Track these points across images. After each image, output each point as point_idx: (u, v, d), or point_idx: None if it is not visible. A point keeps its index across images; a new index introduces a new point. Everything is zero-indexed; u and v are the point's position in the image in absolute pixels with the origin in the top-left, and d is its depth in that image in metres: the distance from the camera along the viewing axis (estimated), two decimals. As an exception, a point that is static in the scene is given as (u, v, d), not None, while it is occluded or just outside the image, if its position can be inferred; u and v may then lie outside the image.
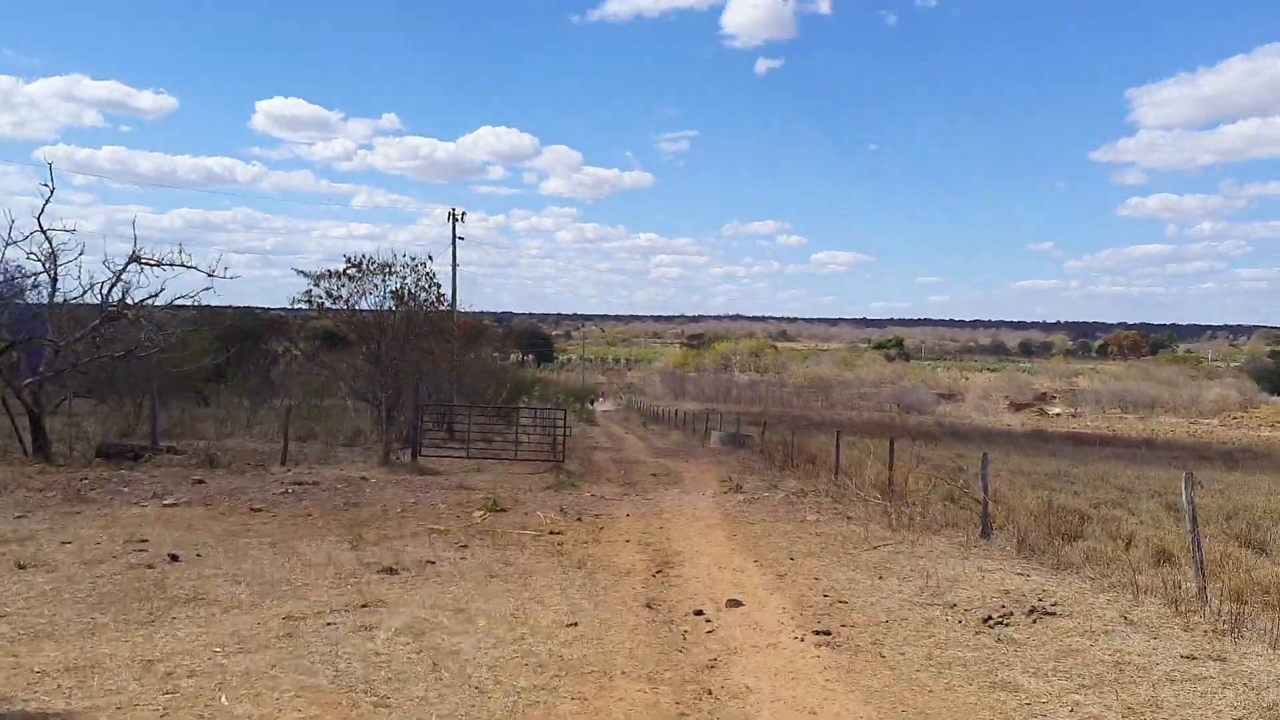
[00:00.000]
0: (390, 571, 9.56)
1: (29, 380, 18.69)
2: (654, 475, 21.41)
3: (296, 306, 28.96)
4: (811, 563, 10.65)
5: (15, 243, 18.48)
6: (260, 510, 13.21)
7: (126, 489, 14.45)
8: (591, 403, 79.43)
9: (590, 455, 27.96)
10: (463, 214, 38.55)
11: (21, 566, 9.26)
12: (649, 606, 8.66)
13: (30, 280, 19.70)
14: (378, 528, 12.26)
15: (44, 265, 18.97)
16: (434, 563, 10.11)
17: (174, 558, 9.91)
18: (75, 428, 23.17)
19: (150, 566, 9.51)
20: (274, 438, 25.59)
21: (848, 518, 13.76)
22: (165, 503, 13.51)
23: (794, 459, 22.67)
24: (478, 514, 13.35)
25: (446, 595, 8.69)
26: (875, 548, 11.52)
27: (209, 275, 20.70)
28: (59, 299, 19.22)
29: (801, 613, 8.51)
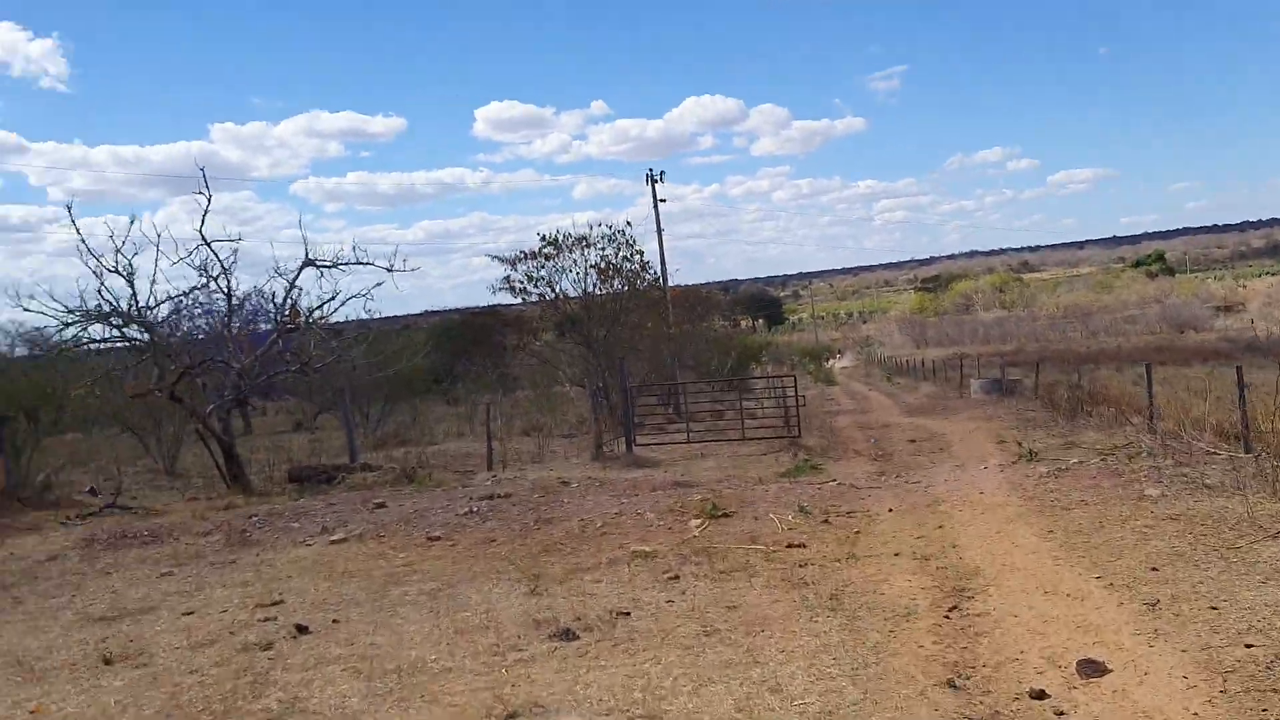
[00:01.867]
0: (565, 637, 6.78)
1: (213, 406, 17.47)
2: (912, 442, 17.86)
3: (498, 294, 27.16)
4: (1189, 573, 7.01)
5: (183, 259, 17.25)
6: (438, 539, 10.89)
7: (297, 524, 12.55)
8: (827, 361, 75.43)
9: (832, 423, 24.55)
10: (661, 174, 35.76)
11: (108, 661, 7.15)
12: (950, 684, 5.43)
13: (208, 303, 18.51)
14: (569, 554, 9.60)
15: (211, 278, 17.68)
16: (628, 614, 7.26)
17: (301, 630, 7.57)
18: (278, 451, 22.31)
19: (266, 648, 7.19)
20: (497, 436, 23.89)
21: (1205, 486, 9.82)
22: (333, 538, 11.45)
23: (1084, 404, 18.41)
24: (695, 523, 10.45)
25: (636, 682, 5.79)
26: (1277, 535, 7.70)
27: (388, 270, 18.94)
28: (235, 319, 17.92)
29: (1224, 683, 5.03)
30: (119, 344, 17.05)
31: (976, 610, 6.74)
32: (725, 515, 10.67)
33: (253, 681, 6.43)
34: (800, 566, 8.32)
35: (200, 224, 17.27)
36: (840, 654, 6.02)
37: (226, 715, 5.84)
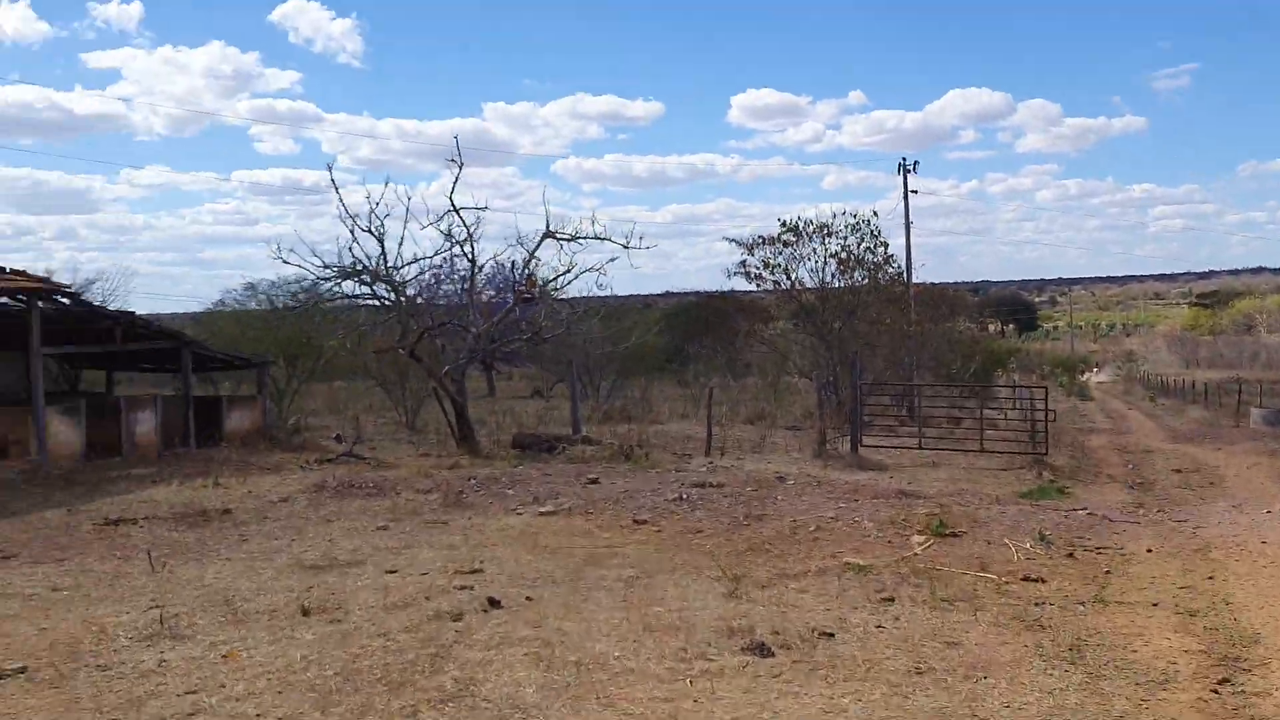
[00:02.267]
0: (760, 652, 6.19)
1: (448, 368, 17.96)
2: (1178, 472, 15.96)
3: (733, 279, 26.69)
4: None
5: (433, 223, 17.80)
6: (644, 523, 10.55)
7: (511, 491, 12.58)
8: (1083, 374, 70.34)
9: (1084, 442, 22.52)
10: (914, 164, 34.02)
11: (305, 613, 7.21)
12: (1220, 782, 4.44)
13: (454, 269, 19.06)
14: (776, 556, 8.99)
15: (459, 244, 18.14)
16: (832, 635, 6.57)
17: (493, 604, 7.38)
18: (510, 416, 22.82)
19: (456, 619, 7.03)
20: (720, 421, 23.52)
21: None
22: (543, 510, 11.36)
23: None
24: (917, 539, 9.56)
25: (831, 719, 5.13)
26: None
27: (624, 246, 18.86)
28: (475, 285, 18.33)
29: None
30: (369, 301, 17.86)
31: (1254, 688, 5.60)
32: (953, 534, 9.71)
33: (434, 654, 6.24)
34: (1036, 605, 7.33)
35: (450, 191, 17.79)
36: (1079, 721, 5.11)
37: (400, 688, 5.66)
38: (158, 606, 7.37)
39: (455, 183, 17.96)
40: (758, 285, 26.36)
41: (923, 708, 5.28)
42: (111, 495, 12.74)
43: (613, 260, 18.40)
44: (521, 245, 18.40)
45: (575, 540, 9.85)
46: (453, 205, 18.02)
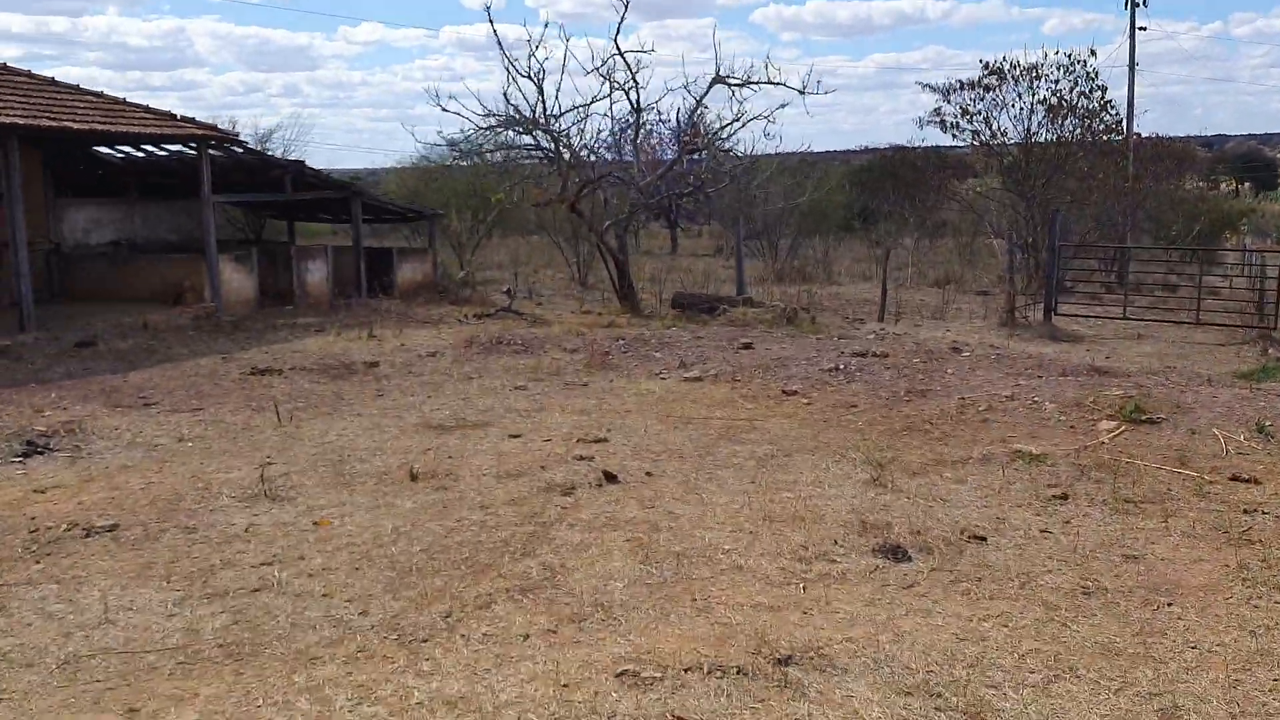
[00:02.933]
0: (893, 555, 5.34)
1: (609, 223, 17.28)
2: None
3: (925, 129, 24.59)
4: None
5: (596, 69, 16.84)
6: (793, 394, 9.70)
7: (659, 354, 11.93)
8: (1328, 239, 63.10)
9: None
10: (1145, -1, 30.00)
11: (414, 478, 6.84)
12: None
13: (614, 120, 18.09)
14: (934, 439, 7.99)
15: (620, 88, 17.14)
16: (984, 539, 5.63)
17: (609, 478, 6.81)
18: (685, 274, 22.06)
19: (566, 493, 6.51)
20: (904, 284, 22.07)
21: None
22: (688, 375, 10.68)
23: None
24: (1105, 425, 8.29)
25: (965, 651, 4.25)
26: None
27: (800, 92, 17.40)
28: (639, 135, 17.35)
29: None
30: (534, 153, 17.20)
31: None
32: (1149, 421, 8.38)
33: (530, 534, 5.72)
34: (1245, 513, 6.11)
35: (615, 33, 16.81)
36: (1287, 675, 4.05)
37: (483, 571, 5.16)
38: (269, 463, 7.18)
39: (620, 24, 16.91)
40: (954, 136, 24.11)
41: (1084, 641, 4.34)
42: (269, 344, 12.90)
43: (783, 107, 17.04)
44: (689, 92, 17.23)
45: (714, 411, 9.12)
46: (617, 48, 16.98)
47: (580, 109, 16.31)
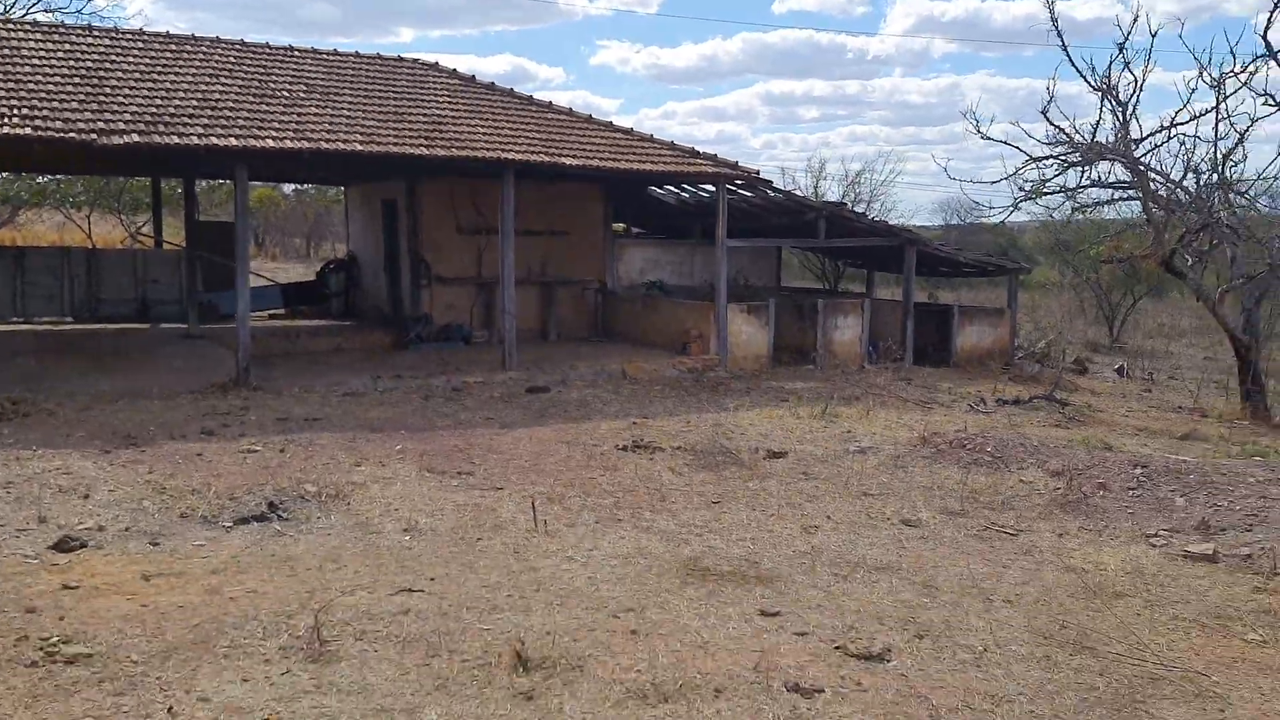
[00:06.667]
0: None
1: (1224, 288, 12.33)
2: None
3: None
4: None
5: (1235, 74, 12.15)
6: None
7: (1185, 498, 7.64)
8: None
9: None
10: None
11: (542, 669, 4.54)
12: None
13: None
14: None
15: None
16: None
17: None
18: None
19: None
20: None
21: None
22: (1196, 548, 6.51)
23: None
24: None
25: None
26: None
27: None
28: None
29: None
30: (1106, 190, 12.93)
31: None
32: None
33: None
34: None
35: (1265, 27, 11.93)
36: None
37: None
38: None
39: (1276, 9, 11.99)
40: None
41: None
42: (718, 410, 11.18)
43: None
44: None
45: (1179, 634, 5.16)
46: (1268, 47, 12.06)
47: (1168, 129, 11.78)
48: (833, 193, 27.99)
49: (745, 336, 14.55)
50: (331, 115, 12.65)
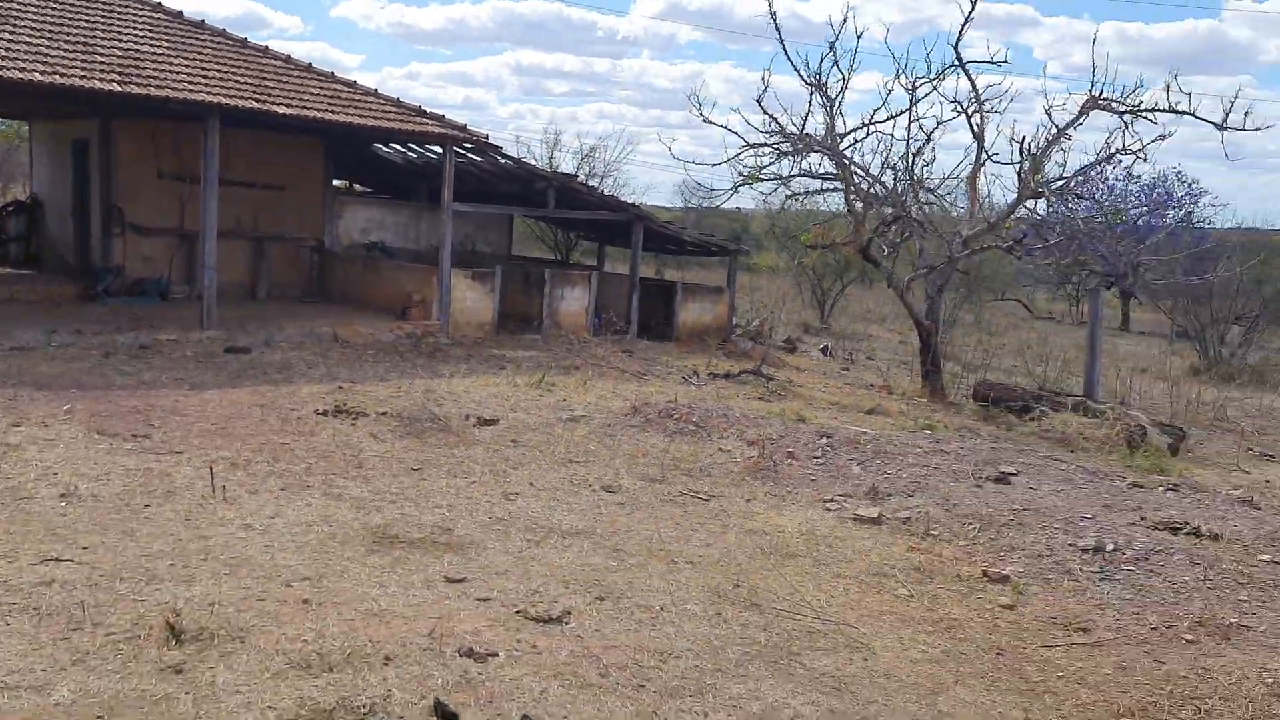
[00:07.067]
0: None
1: (910, 277, 13.44)
2: None
3: None
4: None
5: (927, 79, 13.20)
6: (1000, 580, 5.78)
7: (862, 466, 8.22)
8: None
9: None
10: None
11: (184, 643, 4.18)
12: None
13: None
14: None
15: (963, 112, 13.26)
16: None
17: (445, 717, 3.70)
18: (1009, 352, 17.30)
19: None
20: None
21: None
22: (865, 512, 7.02)
23: None
24: None
25: None
26: None
27: (1218, 127, 12.67)
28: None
29: None
30: (815, 180, 13.80)
31: None
32: None
33: None
34: None
35: (956, 39, 13.01)
36: None
37: None
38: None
39: (964, 27, 13.10)
40: None
41: None
42: (432, 376, 10.93)
43: (1164, 138, 12.21)
44: (1050, 118, 12.93)
45: (833, 591, 5.51)
46: (958, 58, 13.18)
47: (868, 127, 12.71)
48: (567, 165, 28.17)
49: (469, 303, 14.32)
50: (9, 41, 11.24)
